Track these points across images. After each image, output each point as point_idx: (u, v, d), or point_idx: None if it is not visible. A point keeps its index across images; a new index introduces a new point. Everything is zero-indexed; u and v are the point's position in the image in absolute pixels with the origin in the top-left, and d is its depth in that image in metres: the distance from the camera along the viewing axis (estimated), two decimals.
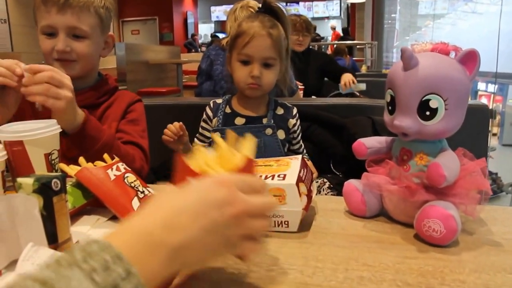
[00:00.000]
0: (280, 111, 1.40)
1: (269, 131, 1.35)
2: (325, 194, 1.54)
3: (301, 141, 1.45)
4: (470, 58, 0.74)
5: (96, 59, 1.34)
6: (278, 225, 0.78)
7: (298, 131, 1.43)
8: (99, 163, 0.87)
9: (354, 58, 7.45)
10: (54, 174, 0.75)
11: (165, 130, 1.30)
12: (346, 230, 0.80)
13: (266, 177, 0.79)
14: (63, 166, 0.85)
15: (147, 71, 5.82)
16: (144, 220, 0.45)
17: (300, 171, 0.81)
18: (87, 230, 0.79)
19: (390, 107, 0.79)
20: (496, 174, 3.85)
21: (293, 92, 2.20)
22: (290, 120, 1.40)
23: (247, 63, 1.30)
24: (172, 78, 6.43)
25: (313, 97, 3.11)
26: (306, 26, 3.21)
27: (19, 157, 0.87)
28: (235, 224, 0.48)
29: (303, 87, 2.98)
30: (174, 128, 1.29)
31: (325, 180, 1.60)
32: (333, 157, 1.73)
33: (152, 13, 14.31)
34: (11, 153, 0.86)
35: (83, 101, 1.18)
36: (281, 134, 1.38)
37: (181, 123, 1.30)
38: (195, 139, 1.44)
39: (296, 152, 1.42)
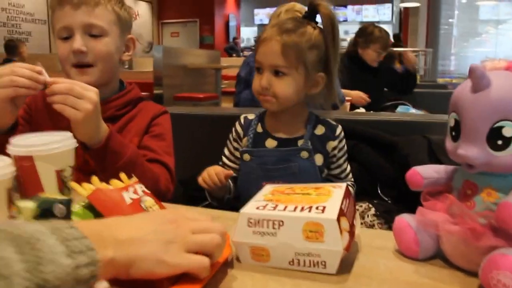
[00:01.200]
0: (320, 130, 1.27)
1: (304, 154, 1.22)
2: (370, 222, 1.45)
3: (344, 165, 1.31)
4: None
5: (116, 63, 1.30)
6: (314, 266, 0.71)
7: (339, 155, 1.28)
8: (114, 183, 0.83)
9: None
10: (58, 197, 0.72)
11: (206, 179, 1.18)
12: (394, 274, 0.72)
13: (302, 209, 0.72)
14: (75, 185, 0.81)
15: (185, 75, 5.88)
16: (105, 220, 0.62)
17: (342, 203, 0.73)
18: None
19: (453, 133, 0.71)
20: None
21: (336, 107, 2.10)
22: (331, 142, 1.26)
23: (260, 71, 1.22)
24: (210, 83, 6.48)
25: (361, 109, 2.99)
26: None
27: (27, 173, 0.85)
28: (175, 230, 0.61)
29: (350, 98, 2.90)
30: (218, 181, 1.17)
31: (371, 205, 1.50)
32: (381, 180, 1.63)
33: (193, 15, 14.54)
34: (19, 168, 0.84)
35: (102, 114, 1.11)
36: (318, 159, 1.25)
37: (230, 171, 1.20)
38: (225, 159, 1.35)
39: (336, 177, 1.30)
